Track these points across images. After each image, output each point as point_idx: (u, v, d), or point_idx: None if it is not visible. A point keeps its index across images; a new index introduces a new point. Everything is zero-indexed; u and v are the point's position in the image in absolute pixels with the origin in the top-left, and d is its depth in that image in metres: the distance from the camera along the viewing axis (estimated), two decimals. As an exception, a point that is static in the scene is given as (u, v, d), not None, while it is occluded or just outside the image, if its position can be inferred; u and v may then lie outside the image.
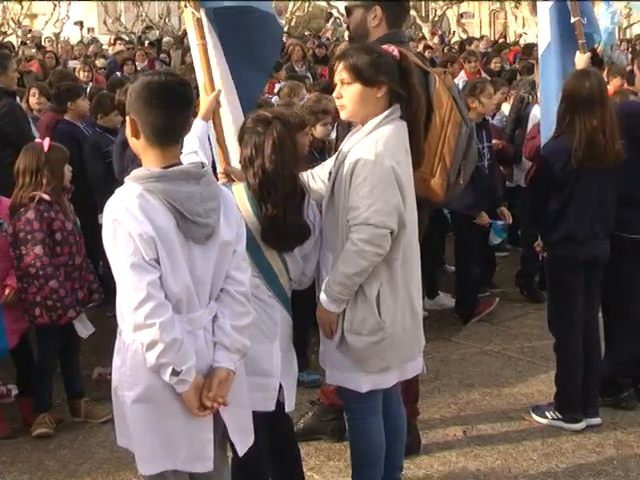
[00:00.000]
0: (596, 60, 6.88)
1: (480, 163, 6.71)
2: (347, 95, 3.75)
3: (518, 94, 8.62)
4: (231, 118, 4.50)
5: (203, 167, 3.16)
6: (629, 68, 8.89)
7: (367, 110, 3.72)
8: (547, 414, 5.18)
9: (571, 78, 5.09)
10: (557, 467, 4.70)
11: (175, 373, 3.02)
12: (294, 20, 36.22)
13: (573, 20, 5.80)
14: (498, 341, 6.64)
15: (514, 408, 5.41)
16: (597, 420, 5.15)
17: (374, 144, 3.63)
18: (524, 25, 32.63)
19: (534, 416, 5.24)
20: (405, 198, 3.67)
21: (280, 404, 3.78)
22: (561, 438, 5.01)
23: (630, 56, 14.86)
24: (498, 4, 44.46)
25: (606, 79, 8.93)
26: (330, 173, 3.87)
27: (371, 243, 3.59)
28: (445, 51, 18.93)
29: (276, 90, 9.61)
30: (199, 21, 4.39)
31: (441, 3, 39.45)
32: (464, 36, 30.00)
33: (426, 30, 32.56)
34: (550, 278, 5.28)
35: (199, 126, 4.00)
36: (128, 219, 2.95)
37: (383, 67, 3.68)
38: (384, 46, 3.83)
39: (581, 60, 5.65)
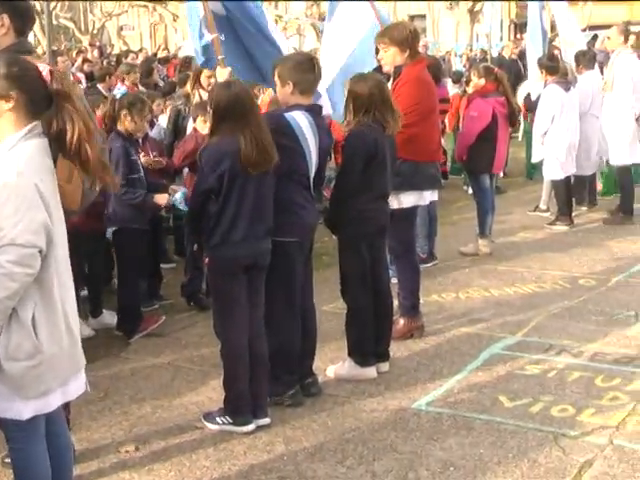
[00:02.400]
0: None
1: (137, 175, 6.81)
2: None
3: (174, 106, 8.71)
4: None
5: None
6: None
7: (2, 126, 3.58)
8: (218, 420, 5.24)
9: (217, 88, 5.31)
10: (230, 470, 4.78)
11: None
12: None
13: (212, 37, 6.04)
14: (168, 352, 6.63)
15: (186, 418, 5.42)
16: (266, 420, 5.28)
17: (15, 162, 3.48)
18: (184, 38, 33.10)
19: (205, 423, 5.28)
20: (51, 215, 3.57)
21: None
22: (233, 442, 5.09)
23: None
24: (158, 17, 44.87)
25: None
26: None
27: (20, 264, 3.44)
28: (104, 64, 18.74)
29: None
30: None
31: (100, 15, 39.16)
32: (125, 48, 29.94)
33: (86, 43, 32.18)
34: (212, 282, 5.37)
35: None
36: None
37: (18, 80, 3.54)
38: (39, 66, 3.67)
39: (222, 74, 5.90)
